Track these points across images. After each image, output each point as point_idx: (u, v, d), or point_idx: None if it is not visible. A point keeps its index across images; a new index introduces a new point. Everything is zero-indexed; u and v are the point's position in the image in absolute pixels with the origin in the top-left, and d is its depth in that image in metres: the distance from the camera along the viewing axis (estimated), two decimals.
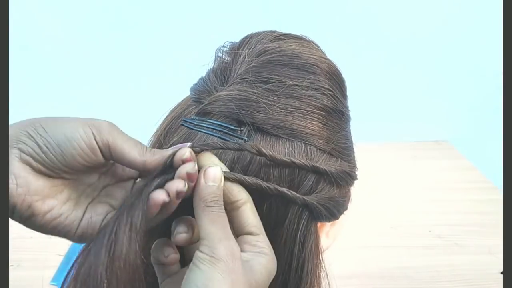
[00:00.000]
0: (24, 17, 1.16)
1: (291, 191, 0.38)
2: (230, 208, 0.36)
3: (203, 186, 0.35)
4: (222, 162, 0.37)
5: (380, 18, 1.23)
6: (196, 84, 0.44)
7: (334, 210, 0.41)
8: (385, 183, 1.14)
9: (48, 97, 1.27)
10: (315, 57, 0.42)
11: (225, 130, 0.38)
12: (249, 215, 0.36)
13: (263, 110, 0.38)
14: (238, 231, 0.36)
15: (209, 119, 0.39)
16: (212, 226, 0.34)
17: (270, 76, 0.40)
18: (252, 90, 0.39)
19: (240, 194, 0.36)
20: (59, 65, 1.24)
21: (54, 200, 0.34)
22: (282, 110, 0.39)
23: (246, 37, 0.44)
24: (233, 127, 0.38)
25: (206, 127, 0.39)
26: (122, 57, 1.24)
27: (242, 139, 0.38)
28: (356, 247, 0.89)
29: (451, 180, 1.16)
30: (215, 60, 0.44)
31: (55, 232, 0.35)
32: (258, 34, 0.44)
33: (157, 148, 0.41)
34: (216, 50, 0.45)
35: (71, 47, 1.22)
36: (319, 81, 0.41)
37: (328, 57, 0.45)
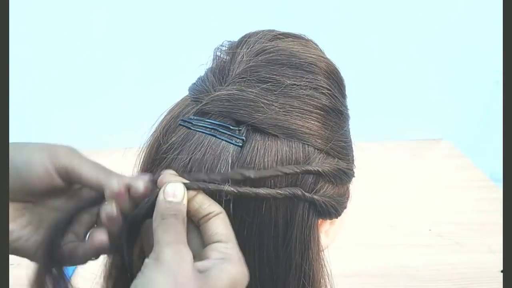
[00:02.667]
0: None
1: (298, 189, 0.38)
2: (202, 222, 0.35)
3: (161, 201, 0.34)
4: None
5: (379, 16, 1.22)
6: (194, 83, 0.44)
7: (336, 206, 0.41)
8: (385, 181, 1.14)
9: (46, 94, 1.27)
10: (313, 56, 0.41)
11: (223, 130, 0.38)
12: (219, 224, 0.35)
13: (261, 110, 0.38)
14: (207, 241, 0.35)
15: (207, 118, 0.39)
16: (164, 233, 0.33)
17: (268, 76, 0.39)
18: (250, 89, 0.39)
19: (211, 207, 0.35)
20: (58, 64, 1.24)
21: (13, 224, 0.36)
22: (281, 110, 0.39)
23: (245, 36, 0.44)
24: (231, 127, 0.38)
25: (204, 127, 0.39)
26: (121, 57, 1.24)
27: (240, 139, 0.38)
28: (356, 245, 0.88)
29: (451, 178, 1.16)
30: (213, 60, 0.44)
31: (16, 253, 0.37)
32: (256, 33, 0.44)
33: (155, 148, 0.41)
34: (215, 49, 0.44)
35: (68, 47, 1.22)
36: (318, 80, 0.40)
37: (327, 56, 0.45)
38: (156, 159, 0.40)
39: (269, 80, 0.39)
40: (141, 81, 1.26)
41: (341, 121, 0.42)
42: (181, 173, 0.37)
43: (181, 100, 0.43)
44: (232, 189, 0.36)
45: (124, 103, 1.24)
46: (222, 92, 0.39)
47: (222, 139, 0.38)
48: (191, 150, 0.38)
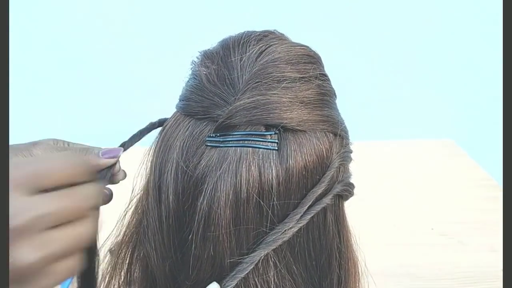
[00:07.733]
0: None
1: (338, 185, 0.40)
2: None
3: None
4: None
5: (385, 16, 1.22)
6: (186, 102, 0.41)
7: (352, 186, 0.43)
8: (388, 180, 1.14)
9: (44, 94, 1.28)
10: (299, 47, 0.42)
11: (255, 139, 0.38)
12: None
13: (288, 109, 0.38)
14: None
15: (236, 131, 0.38)
16: None
17: (280, 75, 0.39)
18: (271, 92, 0.39)
19: None
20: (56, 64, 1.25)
21: None
22: (301, 104, 0.39)
23: (226, 43, 0.43)
24: (263, 133, 0.38)
25: (235, 140, 0.38)
26: (119, 60, 1.24)
27: (274, 142, 0.38)
28: (358, 244, 0.88)
29: (454, 177, 1.16)
30: (197, 76, 0.42)
31: None
32: (236, 37, 0.43)
33: (185, 180, 0.39)
34: (192, 62, 0.43)
35: (65, 47, 1.23)
36: (316, 68, 0.41)
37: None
38: (192, 190, 0.38)
39: (283, 78, 0.39)
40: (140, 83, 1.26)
41: (335, 100, 0.44)
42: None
43: (173, 124, 0.41)
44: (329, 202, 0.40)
45: (122, 105, 1.25)
46: (245, 101, 0.38)
47: (259, 147, 0.37)
48: (232, 168, 0.37)
